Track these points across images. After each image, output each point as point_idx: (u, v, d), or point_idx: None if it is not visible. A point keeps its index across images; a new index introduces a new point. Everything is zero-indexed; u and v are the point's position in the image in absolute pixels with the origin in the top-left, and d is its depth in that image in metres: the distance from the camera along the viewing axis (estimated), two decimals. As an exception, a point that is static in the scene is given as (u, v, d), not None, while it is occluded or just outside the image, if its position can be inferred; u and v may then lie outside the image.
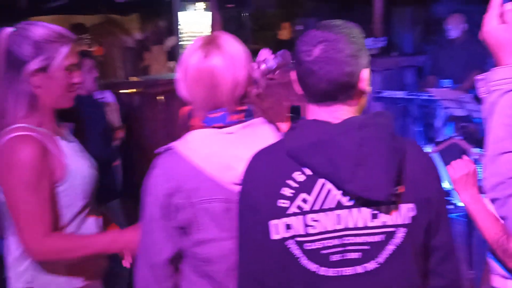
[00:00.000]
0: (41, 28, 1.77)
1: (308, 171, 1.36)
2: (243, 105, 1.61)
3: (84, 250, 1.77)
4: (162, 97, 5.26)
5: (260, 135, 1.59)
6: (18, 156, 1.67)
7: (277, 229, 1.35)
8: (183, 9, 8.00)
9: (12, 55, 1.74)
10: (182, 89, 1.62)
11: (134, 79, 6.92)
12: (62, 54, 1.77)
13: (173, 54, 8.50)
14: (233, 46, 1.60)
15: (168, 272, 1.59)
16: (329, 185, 1.35)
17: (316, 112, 1.42)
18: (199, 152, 1.54)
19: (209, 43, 1.59)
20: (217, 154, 1.54)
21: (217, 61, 1.56)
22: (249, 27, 5.61)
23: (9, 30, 1.78)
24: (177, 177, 1.55)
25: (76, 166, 1.82)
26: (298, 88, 1.44)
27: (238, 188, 1.46)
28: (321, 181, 1.35)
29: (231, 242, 1.51)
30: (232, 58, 1.57)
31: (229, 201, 1.53)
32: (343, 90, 1.38)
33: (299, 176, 1.36)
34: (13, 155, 1.68)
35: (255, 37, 8.17)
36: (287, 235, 1.35)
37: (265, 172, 1.40)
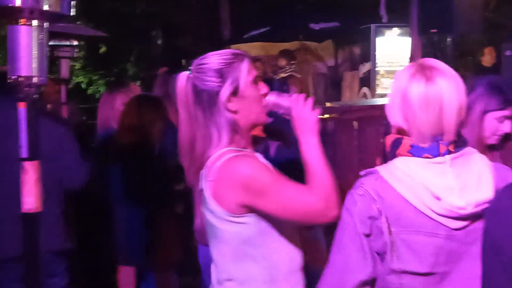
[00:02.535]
0: (214, 57, 1.81)
1: None
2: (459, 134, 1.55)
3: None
4: (356, 123, 5.21)
5: (472, 165, 1.52)
6: (243, 169, 1.70)
7: None
8: (381, 34, 7.92)
9: (202, 93, 1.78)
10: (397, 117, 1.57)
11: (328, 104, 6.98)
12: (244, 71, 1.78)
13: (367, 80, 8.43)
14: (452, 71, 1.56)
15: None
16: None
17: None
18: (405, 180, 1.50)
19: (426, 68, 1.54)
20: (424, 184, 1.48)
21: (444, 85, 1.52)
22: (450, 53, 5.34)
23: (186, 73, 1.83)
24: (380, 200, 1.52)
25: None
26: None
27: (447, 221, 1.46)
28: None
29: (433, 278, 1.48)
30: (456, 83, 1.54)
31: (435, 235, 1.48)
32: None
33: None
34: (238, 170, 1.70)
35: (455, 63, 7.79)
36: None
37: None
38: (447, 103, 1.51)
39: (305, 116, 1.77)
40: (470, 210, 1.46)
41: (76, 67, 11.70)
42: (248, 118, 1.82)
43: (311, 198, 1.68)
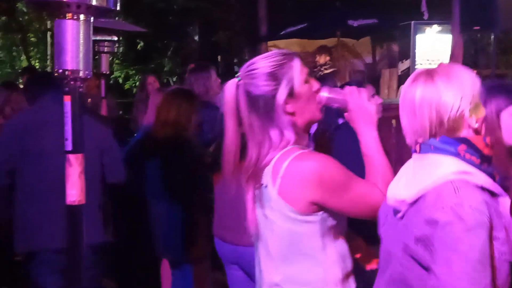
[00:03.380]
0: (264, 60, 1.76)
1: None
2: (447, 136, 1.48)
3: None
4: (394, 122, 5.16)
5: (425, 169, 1.47)
6: (316, 165, 1.67)
7: None
8: (421, 32, 7.79)
9: (258, 98, 1.73)
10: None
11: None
12: (297, 70, 1.75)
13: (406, 78, 8.32)
14: (449, 76, 1.48)
15: None
16: None
17: None
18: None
19: (425, 72, 1.52)
20: (399, 175, 1.57)
21: (420, 87, 1.48)
22: (492, 50, 5.22)
23: (235, 81, 1.78)
24: None
25: None
26: None
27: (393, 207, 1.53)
28: None
29: (387, 256, 1.56)
30: (438, 85, 1.47)
31: (385, 215, 1.60)
32: None
33: None
34: (311, 167, 1.67)
35: (497, 61, 7.62)
36: None
37: None
38: (418, 104, 1.47)
39: (363, 107, 1.76)
40: (391, 202, 1.52)
41: (116, 62, 11.86)
42: (305, 117, 1.79)
43: (378, 192, 1.71)
